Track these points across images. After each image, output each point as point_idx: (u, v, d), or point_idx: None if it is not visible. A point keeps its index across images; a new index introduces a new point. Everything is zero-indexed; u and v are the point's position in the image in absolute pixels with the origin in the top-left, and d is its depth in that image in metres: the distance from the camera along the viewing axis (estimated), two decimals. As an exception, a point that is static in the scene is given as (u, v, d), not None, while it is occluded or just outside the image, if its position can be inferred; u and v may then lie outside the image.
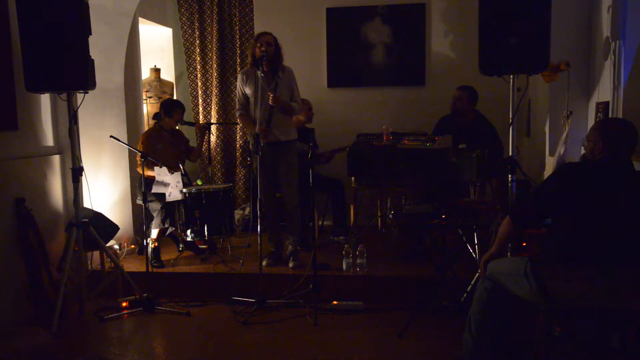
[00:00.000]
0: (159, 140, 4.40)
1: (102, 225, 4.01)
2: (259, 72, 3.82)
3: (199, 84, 5.79)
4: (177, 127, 4.71)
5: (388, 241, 4.65)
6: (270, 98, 3.84)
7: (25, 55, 3.34)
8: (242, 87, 4.12)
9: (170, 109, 4.47)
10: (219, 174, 5.81)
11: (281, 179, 4.16)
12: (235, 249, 4.56)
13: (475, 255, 3.72)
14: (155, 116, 4.59)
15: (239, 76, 4.18)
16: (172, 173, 4.26)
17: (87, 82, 3.43)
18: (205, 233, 4.29)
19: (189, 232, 4.32)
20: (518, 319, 2.56)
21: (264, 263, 4.05)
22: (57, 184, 4.00)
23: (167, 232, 4.45)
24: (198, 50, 5.75)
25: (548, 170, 4.30)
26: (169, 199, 4.24)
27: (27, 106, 3.72)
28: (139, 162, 4.40)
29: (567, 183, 2.37)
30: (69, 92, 3.52)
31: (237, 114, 4.20)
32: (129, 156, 4.68)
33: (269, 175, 4.12)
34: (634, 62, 3.28)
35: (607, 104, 3.48)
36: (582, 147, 2.87)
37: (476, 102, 4.57)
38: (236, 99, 4.22)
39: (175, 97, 5.93)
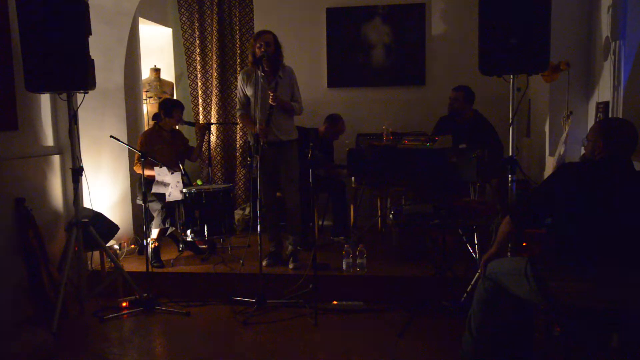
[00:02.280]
0: (158, 141, 4.40)
1: (102, 225, 4.01)
2: (258, 72, 3.82)
3: (199, 84, 5.79)
4: (177, 127, 4.71)
5: (388, 241, 4.65)
6: (271, 97, 3.84)
7: (25, 55, 3.34)
8: (243, 87, 4.12)
9: (170, 108, 4.48)
10: (219, 174, 5.81)
11: (282, 179, 4.16)
12: (235, 249, 4.57)
13: (475, 255, 3.72)
14: (155, 117, 4.59)
15: (240, 76, 4.18)
16: (172, 173, 4.26)
17: (87, 82, 3.43)
18: (205, 233, 4.30)
19: (189, 232, 4.32)
20: (518, 319, 2.56)
21: (264, 263, 4.05)
22: (57, 184, 4.00)
23: (168, 232, 4.45)
24: (198, 50, 5.75)
25: (548, 170, 4.29)
26: (169, 199, 4.24)
27: (27, 106, 3.72)
28: (136, 161, 4.40)
29: (567, 183, 2.37)
30: (69, 92, 3.52)
31: (238, 114, 4.21)
32: (128, 156, 4.68)
33: (269, 175, 4.12)
34: (634, 62, 3.28)
35: (607, 104, 3.48)
36: (582, 147, 2.87)
37: (473, 101, 4.57)
38: (237, 99, 4.22)
39: (175, 97, 5.92)
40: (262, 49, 3.89)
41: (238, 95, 4.19)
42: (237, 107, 4.21)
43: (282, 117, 4.07)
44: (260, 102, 3.82)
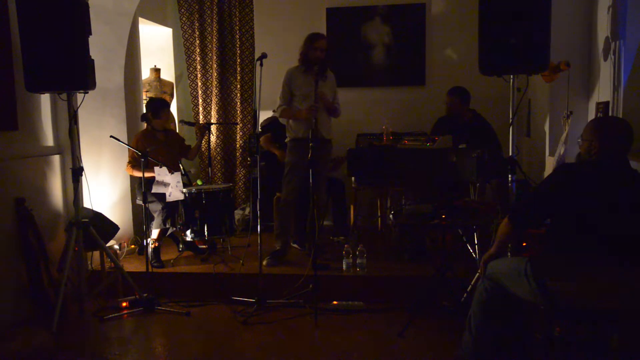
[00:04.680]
0: (152, 142, 4.32)
1: (102, 225, 4.01)
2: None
3: (199, 84, 5.79)
4: (175, 127, 4.69)
5: (388, 241, 4.65)
6: (315, 95, 3.94)
7: (25, 55, 3.34)
8: (290, 85, 4.15)
9: (157, 110, 4.40)
10: (219, 174, 5.81)
11: (318, 177, 4.07)
12: (235, 249, 4.57)
13: (475, 255, 3.72)
14: (143, 118, 4.53)
15: (286, 74, 4.20)
16: (172, 173, 4.26)
17: (87, 82, 3.43)
18: (205, 233, 4.29)
19: (189, 232, 4.33)
20: (518, 319, 2.56)
21: (264, 262, 4.05)
22: (57, 184, 4.00)
23: (168, 233, 4.45)
24: (198, 50, 5.75)
25: (548, 170, 4.30)
26: (169, 199, 4.24)
27: (27, 106, 3.72)
28: (128, 164, 4.36)
29: (565, 184, 2.37)
30: (69, 92, 3.52)
31: (280, 109, 4.18)
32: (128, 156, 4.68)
33: (302, 172, 4.03)
34: (634, 62, 3.28)
35: (607, 104, 3.48)
36: (578, 146, 2.87)
37: (469, 102, 4.58)
38: (279, 97, 4.20)
39: (175, 97, 5.93)
40: (317, 54, 4.06)
41: (282, 91, 4.18)
42: (280, 103, 4.19)
43: (325, 116, 4.15)
44: (304, 99, 4.03)
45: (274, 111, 4.63)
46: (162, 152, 4.35)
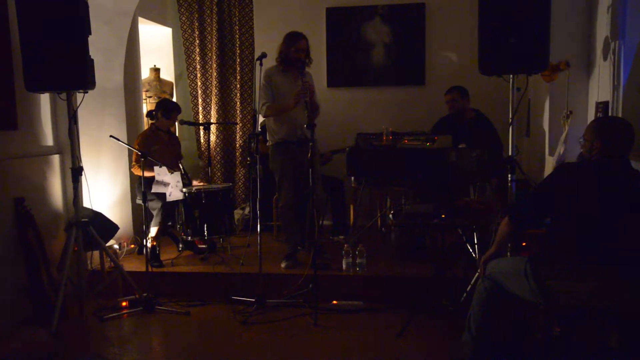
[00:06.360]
0: (155, 141, 4.37)
1: (102, 225, 4.00)
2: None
3: (199, 83, 5.79)
4: (176, 129, 4.71)
5: (388, 241, 4.65)
6: (302, 82, 3.85)
7: (25, 55, 3.34)
8: (270, 84, 4.07)
9: (169, 110, 4.44)
10: (219, 174, 5.81)
11: (314, 177, 3.99)
12: (234, 248, 4.57)
13: (475, 255, 3.72)
14: (150, 114, 4.55)
15: (264, 74, 4.10)
16: (172, 173, 4.26)
17: (87, 82, 3.42)
18: (205, 233, 4.29)
19: (188, 231, 4.32)
20: (518, 319, 2.56)
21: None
22: (57, 183, 4.00)
23: (167, 230, 4.45)
24: (198, 50, 5.75)
25: (548, 170, 4.30)
26: (169, 198, 4.24)
27: (26, 106, 3.72)
28: (134, 163, 4.37)
29: (565, 183, 2.37)
30: (68, 92, 3.52)
31: (265, 107, 4.08)
32: (128, 156, 4.68)
33: (298, 173, 4.02)
34: (633, 62, 3.28)
35: (607, 104, 3.48)
36: (580, 146, 2.88)
37: (469, 97, 4.57)
38: (262, 94, 4.11)
39: (175, 97, 5.93)
40: (299, 55, 3.98)
41: (263, 91, 4.08)
42: (264, 101, 4.09)
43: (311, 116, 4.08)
44: (285, 97, 3.95)
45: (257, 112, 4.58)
46: (165, 151, 4.38)
